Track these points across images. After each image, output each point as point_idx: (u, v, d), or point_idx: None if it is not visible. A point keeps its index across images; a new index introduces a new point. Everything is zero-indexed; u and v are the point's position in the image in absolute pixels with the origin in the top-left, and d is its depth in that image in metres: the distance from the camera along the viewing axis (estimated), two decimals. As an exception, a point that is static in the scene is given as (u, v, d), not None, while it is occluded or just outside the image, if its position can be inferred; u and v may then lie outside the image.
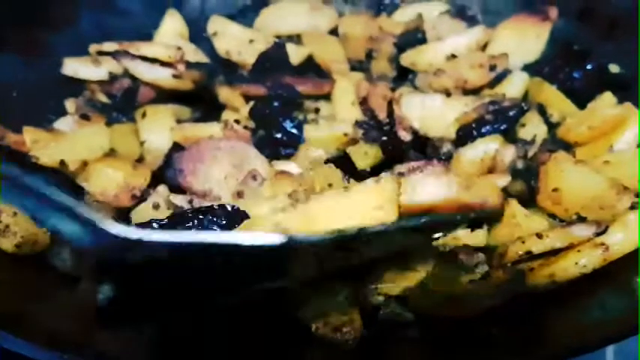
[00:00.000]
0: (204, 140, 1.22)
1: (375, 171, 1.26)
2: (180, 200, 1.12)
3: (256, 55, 1.43)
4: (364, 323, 0.94)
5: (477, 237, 1.05)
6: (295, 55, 1.45)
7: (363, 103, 1.34)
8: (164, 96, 1.39)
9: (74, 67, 1.37)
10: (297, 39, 1.54)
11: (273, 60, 1.43)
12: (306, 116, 1.34)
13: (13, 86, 1.28)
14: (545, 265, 0.98)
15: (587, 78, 1.30)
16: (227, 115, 1.33)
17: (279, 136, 1.27)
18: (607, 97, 1.24)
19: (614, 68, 1.31)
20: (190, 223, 0.99)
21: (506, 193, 1.12)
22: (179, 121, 1.34)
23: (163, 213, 1.10)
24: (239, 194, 1.08)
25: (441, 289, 0.97)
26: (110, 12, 1.49)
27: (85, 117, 1.30)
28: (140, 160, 1.27)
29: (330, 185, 1.09)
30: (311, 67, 1.47)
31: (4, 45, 1.29)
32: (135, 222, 1.10)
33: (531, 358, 0.85)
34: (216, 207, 1.00)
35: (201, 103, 1.40)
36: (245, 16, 1.63)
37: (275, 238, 0.75)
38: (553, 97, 1.29)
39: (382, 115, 1.30)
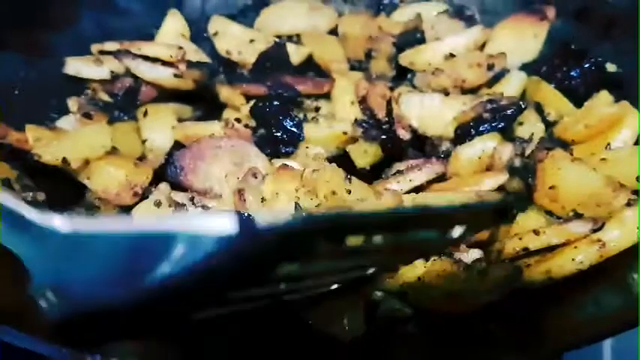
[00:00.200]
0: (205, 139, 1.23)
1: (375, 169, 1.27)
2: (181, 197, 1.13)
3: (257, 54, 1.44)
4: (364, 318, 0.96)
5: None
6: (295, 54, 1.47)
7: (363, 102, 1.35)
8: (165, 95, 1.40)
9: (76, 66, 1.38)
10: (297, 39, 1.55)
11: (273, 59, 1.44)
12: (306, 115, 1.35)
13: (15, 85, 1.29)
14: (542, 261, 1.00)
15: (584, 77, 1.31)
16: (228, 114, 1.34)
17: (279, 134, 1.28)
18: (604, 96, 1.25)
19: (611, 67, 1.32)
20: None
21: (504, 190, 1.14)
22: (180, 120, 1.36)
23: (165, 210, 1.11)
24: (239, 192, 1.09)
25: (438, 285, 0.98)
26: (111, 12, 1.50)
27: (87, 115, 1.31)
28: (142, 158, 1.28)
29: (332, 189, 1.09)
30: (311, 67, 1.49)
31: (7, 45, 1.29)
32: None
33: (528, 353, 0.86)
34: None
35: (202, 102, 1.41)
36: (245, 16, 1.64)
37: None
38: (550, 95, 1.30)
39: (381, 114, 1.32)
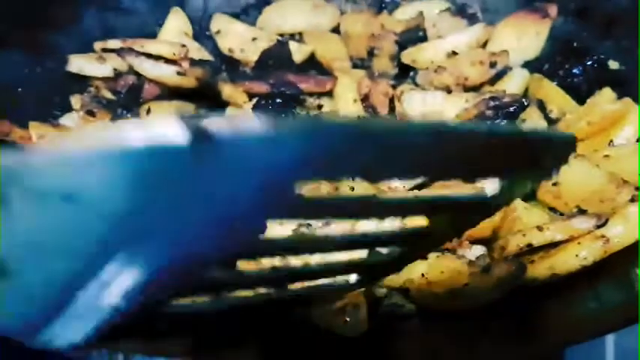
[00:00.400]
0: (208, 136, 1.23)
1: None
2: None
3: (259, 52, 1.44)
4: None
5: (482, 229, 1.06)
6: (298, 52, 1.47)
7: (365, 100, 1.35)
8: (168, 93, 1.40)
9: (79, 64, 1.39)
10: (299, 37, 1.56)
11: (275, 58, 1.44)
12: (308, 113, 1.35)
13: (18, 83, 1.29)
14: (546, 257, 1.00)
15: (586, 74, 1.32)
16: (230, 112, 1.34)
17: (282, 132, 1.27)
18: (606, 93, 1.25)
19: (613, 65, 1.32)
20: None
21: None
22: (183, 118, 1.36)
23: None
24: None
25: (442, 282, 0.98)
26: (114, 10, 1.50)
27: (90, 113, 1.32)
28: (145, 155, 1.28)
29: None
30: (313, 65, 1.49)
31: (10, 43, 1.30)
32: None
33: (530, 348, 0.86)
34: None
35: (205, 100, 1.41)
36: (248, 14, 1.64)
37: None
38: (553, 93, 1.30)
39: (384, 111, 1.32)
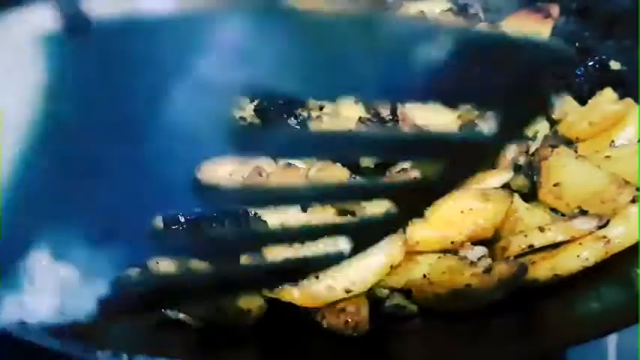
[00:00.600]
0: (209, 137, 1.23)
1: (379, 167, 1.27)
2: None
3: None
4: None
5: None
6: (299, 52, 1.46)
7: (366, 100, 1.36)
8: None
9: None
10: (300, 37, 1.55)
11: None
12: (310, 114, 1.35)
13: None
14: (547, 258, 1.00)
15: (588, 75, 1.32)
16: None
17: (283, 133, 1.27)
18: (608, 94, 1.25)
19: (614, 65, 1.32)
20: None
21: (509, 188, 1.14)
22: (185, 119, 1.36)
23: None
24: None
25: (443, 283, 0.98)
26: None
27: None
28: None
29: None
30: (315, 65, 1.49)
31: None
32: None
33: (531, 349, 0.86)
34: None
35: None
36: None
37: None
38: (554, 93, 1.30)
39: (385, 112, 1.32)
